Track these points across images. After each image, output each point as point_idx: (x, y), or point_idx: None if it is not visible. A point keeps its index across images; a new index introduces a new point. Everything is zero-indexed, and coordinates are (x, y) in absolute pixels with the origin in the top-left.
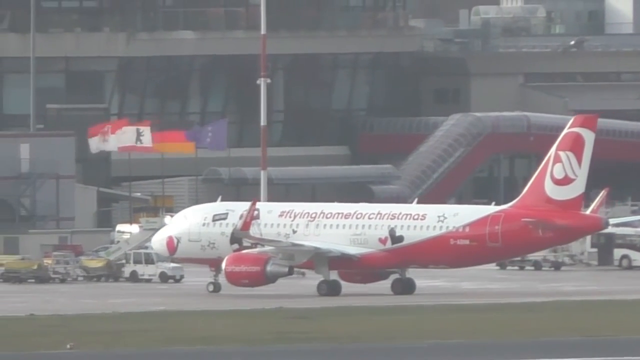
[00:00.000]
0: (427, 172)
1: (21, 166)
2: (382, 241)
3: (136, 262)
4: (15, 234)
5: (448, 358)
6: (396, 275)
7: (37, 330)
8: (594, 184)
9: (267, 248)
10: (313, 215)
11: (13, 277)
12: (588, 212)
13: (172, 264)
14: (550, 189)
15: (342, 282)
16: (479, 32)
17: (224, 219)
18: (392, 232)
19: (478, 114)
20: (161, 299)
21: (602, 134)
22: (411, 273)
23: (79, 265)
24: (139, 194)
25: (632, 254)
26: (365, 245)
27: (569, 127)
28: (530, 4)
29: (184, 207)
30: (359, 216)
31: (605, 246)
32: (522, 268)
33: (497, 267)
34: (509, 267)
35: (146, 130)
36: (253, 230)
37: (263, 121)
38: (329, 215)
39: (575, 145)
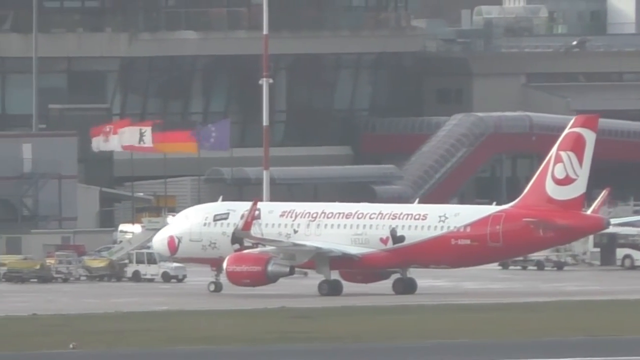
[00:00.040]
0: (429, 172)
1: (23, 166)
2: (383, 241)
3: (139, 261)
4: (18, 234)
5: (450, 358)
6: (397, 275)
7: (40, 329)
8: (596, 184)
9: (268, 248)
10: (314, 215)
11: (15, 276)
12: (589, 212)
13: (175, 264)
14: (552, 189)
15: (344, 282)
16: (481, 32)
17: (225, 218)
18: (393, 232)
19: (480, 114)
20: (164, 299)
21: (605, 134)
22: (413, 273)
23: (82, 265)
24: (141, 193)
25: (635, 253)
26: (367, 245)
27: (570, 127)
28: (532, 4)
29: (186, 207)
30: (360, 216)
31: (608, 246)
32: (524, 268)
33: (500, 267)
34: (511, 267)
35: (148, 131)
36: (254, 230)
37: (265, 121)
38: (330, 215)
39: (576, 146)
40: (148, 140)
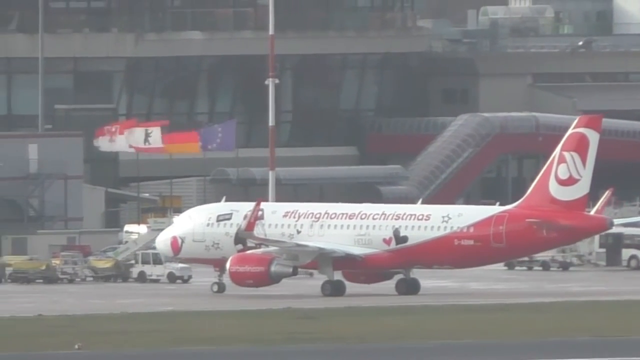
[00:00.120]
0: (435, 172)
1: (29, 166)
2: (387, 241)
3: (144, 262)
4: (24, 235)
5: (455, 358)
6: (400, 276)
7: (45, 330)
8: (601, 184)
9: (271, 248)
10: (317, 216)
11: (21, 277)
12: (592, 212)
13: (181, 265)
14: (555, 190)
15: (347, 283)
16: (487, 33)
17: (228, 219)
18: (396, 232)
19: (486, 115)
20: (169, 300)
21: (611, 134)
22: (417, 274)
23: (87, 265)
24: (147, 194)
25: None
26: (370, 246)
27: (574, 128)
28: (538, 4)
29: (192, 208)
30: (363, 216)
31: (614, 246)
32: (530, 268)
33: (505, 268)
34: (517, 268)
35: (155, 131)
36: (257, 231)
37: (271, 121)
38: (333, 216)
39: (579, 146)
40: (154, 141)
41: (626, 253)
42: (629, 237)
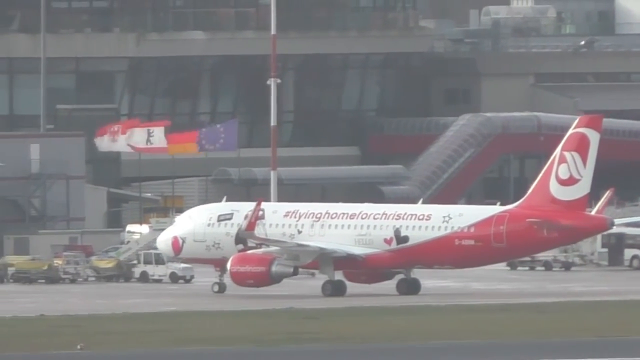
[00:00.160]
0: (437, 172)
1: (31, 167)
2: (387, 241)
3: (146, 262)
4: (26, 235)
5: (457, 358)
6: (401, 276)
7: (47, 330)
8: (603, 184)
9: (272, 248)
10: (318, 216)
11: (23, 277)
12: (593, 212)
13: (183, 265)
14: (556, 190)
15: (347, 283)
16: (489, 33)
17: (229, 219)
18: (397, 232)
19: (488, 114)
20: (171, 300)
21: (613, 134)
22: (419, 274)
23: (89, 265)
24: (149, 194)
25: None
26: (371, 246)
27: (574, 128)
28: (540, 4)
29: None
30: (364, 216)
31: (616, 246)
32: (532, 268)
33: (508, 268)
34: (519, 268)
35: (156, 131)
36: (258, 231)
37: (273, 121)
38: (334, 216)
39: (580, 146)
40: (156, 141)
41: (628, 253)
42: (632, 237)
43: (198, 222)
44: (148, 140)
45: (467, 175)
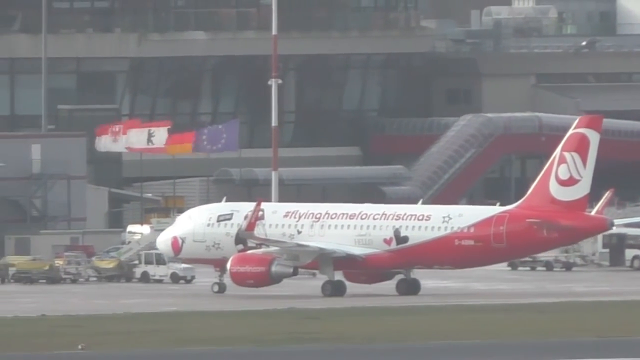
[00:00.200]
0: (438, 172)
1: (32, 167)
2: (387, 242)
3: (147, 262)
4: (27, 235)
5: (458, 359)
6: (401, 276)
7: (49, 330)
8: (604, 184)
9: (271, 248)
10: (318, 216)
11: (24, 277)
12: (593, 212)
13: (184, 265)
14: (555, 190)
15: (347, 283)
16: (490, 33)
17: (229, 219)
18: (396, 232)
19: (489, 115)
20: (173, 300)
21: (614, 134)
22: (419, 274)
23: (91, 265)
24: (150, 194)
25: None
26: (370, 246)
27: (574, 128)
28: (541, 4)
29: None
30: (363, 217)
31: (617, 247)
32: (533, 268)
33: (509, 268)
34: (520, 268)
35: (158, 131)
36: (258, 231)
37: (274, 122)
38: (333, 216)
39: (580, 146)
40: (157, 141)
41: (629, 253)
42: (633, 237)
43: (198, 222)
44: (149, 141)
45: (468, 175)
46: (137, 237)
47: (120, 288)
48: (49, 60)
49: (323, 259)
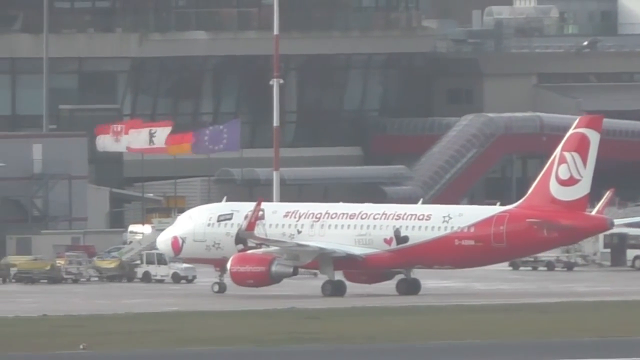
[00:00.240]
0: (439, 172)
1: (34, 167)
2: (387, 241)
3: (149, 262)
4: (28, 235)
5: (458, 359)
6: (401, 276)
7: (50, 330)
8: (604, 184)
9: (272, 248)
10: (318, 216)
11: (26, 277)
12: (593, 212)
13: (185, 265)
14: (556, 190)
15: (347, 283)
16: (491, 33)
17: (229, 219)
18: (397, 232)
19: (491, 115)
20: (174, 300)
21: (615, 134)
22: (420, 274)
23: (92, 265)
24: (151, 194)
25: None
26: (370, 246)
27: (574, 128)
28: (543, 4)
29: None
30: (363, 216)
31: (618, 247)
32: (534, 268)
33: (510, 268)
34: (521, 268)
35: (159, 131)
36: (258, 231)
37: (276, 122)
38: (333, 216)
39: (580, 146)
40: (158, 141)
41: (631, 253)
42: (634, 237)
43: (198, 222)
44: (151, 141)
45: (469, 175)
46: (139, 237)
47: (122, 288)
48: (50, 60)
49: (323, 259)
